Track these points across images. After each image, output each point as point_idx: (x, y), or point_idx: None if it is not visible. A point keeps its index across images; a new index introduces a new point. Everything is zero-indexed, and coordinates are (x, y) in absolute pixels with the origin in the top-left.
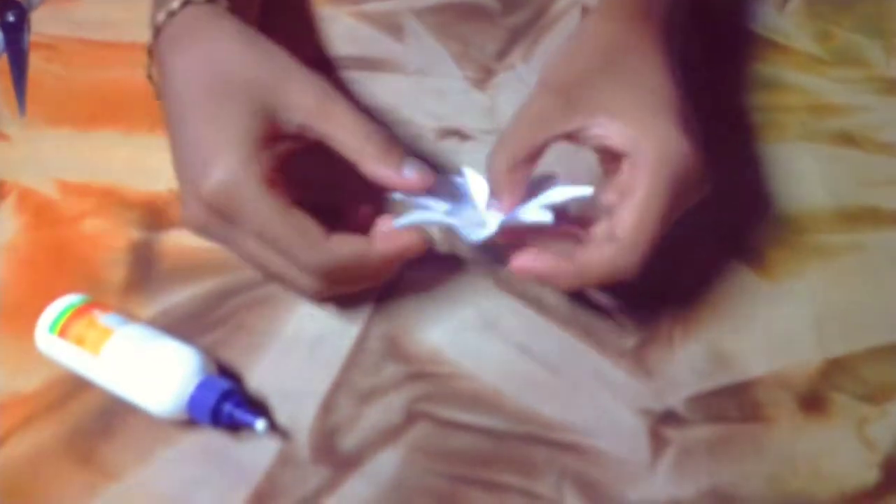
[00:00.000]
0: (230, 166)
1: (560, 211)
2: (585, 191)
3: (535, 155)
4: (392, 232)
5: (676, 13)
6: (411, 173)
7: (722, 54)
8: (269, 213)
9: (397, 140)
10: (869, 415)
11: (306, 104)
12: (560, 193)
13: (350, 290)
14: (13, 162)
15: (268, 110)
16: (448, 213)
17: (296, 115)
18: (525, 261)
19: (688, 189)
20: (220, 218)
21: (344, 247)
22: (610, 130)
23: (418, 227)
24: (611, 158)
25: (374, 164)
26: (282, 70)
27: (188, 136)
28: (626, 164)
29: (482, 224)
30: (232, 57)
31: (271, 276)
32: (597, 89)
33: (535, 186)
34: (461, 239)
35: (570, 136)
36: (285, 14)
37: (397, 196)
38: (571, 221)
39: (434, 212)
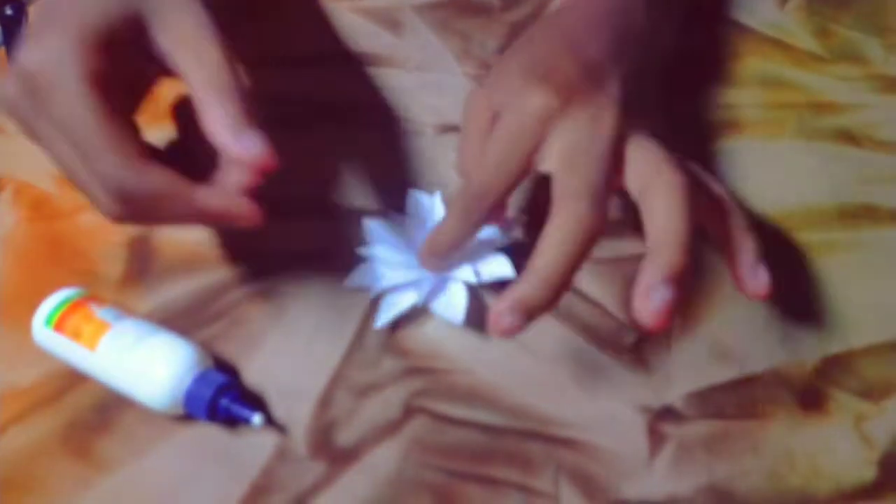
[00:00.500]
0: (55, 44)
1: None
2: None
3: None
4: (220, 191)
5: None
6: (251, 145)
7: (720, 53)
8: (78, 107)
9: (256, 109)
10: (867, 412)
11: (180, 29)
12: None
13: (154, 224)
14: (10, 155)
15: (136, 18)
16: (417, 290)
17: (165, 36)
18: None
19: (523, 130)
20: (29, 99)
21: (156, 178)
22: (489, 103)
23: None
24: None
25: (216, 120)
26: None
27: (35, 20)
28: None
29: (450, 302)
30: None
31: (75, 184)
32: (500, 73)
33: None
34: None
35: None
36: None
37: (364, 250)
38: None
39: (405, 296)
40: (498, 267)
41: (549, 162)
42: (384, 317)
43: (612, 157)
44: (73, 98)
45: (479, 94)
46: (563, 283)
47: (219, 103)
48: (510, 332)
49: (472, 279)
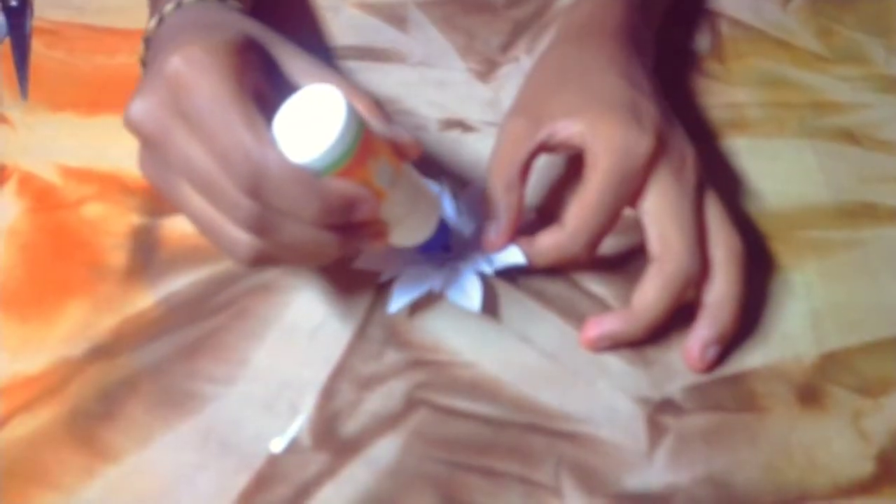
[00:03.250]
0: (193, 48)
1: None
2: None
3: (522, 173)
4: (353, 182)
5: (635, 22)
6: (402, 132)
7: (725, 50)
8: (226, 95)
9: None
10: (865, 408)
11: (303, 59)
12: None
13: (285, 242)
14: (15, 146)
15: (258, 43)
16: (431, 278)
17: (293, 64)
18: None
19: (633, 173)
20: (171, 101)
21: (288, 167)
22: (567, 131)
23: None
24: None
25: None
26: (277, 38)
27: (163, 45)
28: (585, 160)
29: (466, 292)
30: (228, 15)
31: (206, 227)
32: (554, 101)
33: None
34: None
35: (544, 147)
36: (281, 7)
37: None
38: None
39: (418, 283)
40: (510, 256)
41: (649, 206)
42: (397, 303)
43: (700, 204)
44: (219, 85)
45: (522, 113)
46: (656, 325)
47: (357, 102)
48: (595, 351)
49: (486, 269)
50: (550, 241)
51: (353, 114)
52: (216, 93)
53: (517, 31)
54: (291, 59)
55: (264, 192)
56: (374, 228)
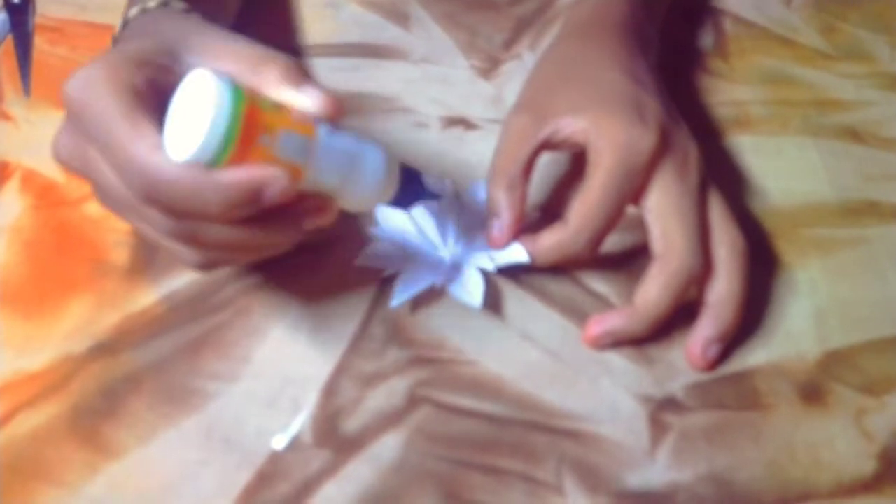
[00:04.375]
0: (89, 69)
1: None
2: (522, 258)
3: (525, 170)
4: (248, 166)
5: (639, 18)
6: (315, 93)
7: (728, 48)
8: (115, 111)
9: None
10: (868, 406)
11: (206, 40)
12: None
13: (212, 246)
14: (17, 143)
15: (168, 49)
16: (433, 274)
17: (194, 51)
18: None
19: (636, 170)
20: (74, 127)
21: (172, 170)
22: (571, 128)
23: (280, 166)
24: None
25: (273, 81)
26: (203, 27)
27: None
28: (588, 157)
29: (468, 288)
30: (171, 22)
31: (125, 217)
32: (558, 98)
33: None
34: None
35: (547, 145)
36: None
37: (375, 231)
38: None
39: (421, 278)
40: (513, 253)
41: (652, 204)
42: (400, 297)
43: (703, 201)
44: (110, 107)
45: (525, 110)
46: (659, 322)
47: (271, 68)
48: (597, 348)
49: (489, 265)
50: (553, 240)
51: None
52: (105, 110)
53: (520, 28)
54: (196, 47)
55: (163, 200)
56: (310, 204)
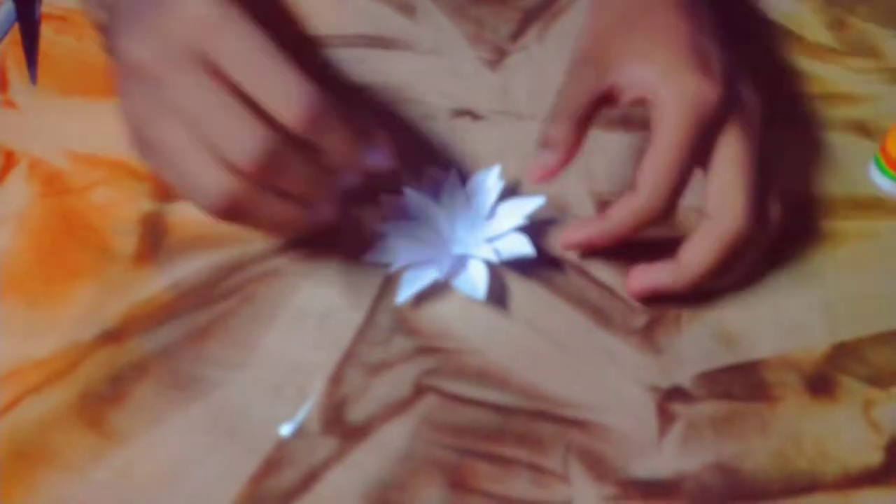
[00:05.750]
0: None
1: None
2: (537, 201)
3: (586, 116)
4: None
5: None
6: (379, 156)
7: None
8: (258, 38)
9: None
10: (875, 398)
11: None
12: (517, 208)
13: (287, 184)
14: (23, 131)
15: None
16: (438, 267)
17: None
18: (568, 234)
19: (706, 125)
20: (180, 48)
21: (341, 111)
22: (634, 80)
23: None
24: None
25: (337, 147)
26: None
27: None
28: (651, 112)
29: (472, 280)
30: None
31: (184, 147)
32: (616, 46)
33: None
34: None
35: (610, 97)
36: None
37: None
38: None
39: (425, 272)
40: (517, 245)
41: (715, 161)
42: (405, 292)
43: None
44: (252, 31)
45: (586, 59)
46: (704, 281)
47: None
48: (638, 301)
49: (493, 257)
50: (626, 209)
51: None
52: (255, 37)
53: (527, 20)
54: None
55: (323, 127)
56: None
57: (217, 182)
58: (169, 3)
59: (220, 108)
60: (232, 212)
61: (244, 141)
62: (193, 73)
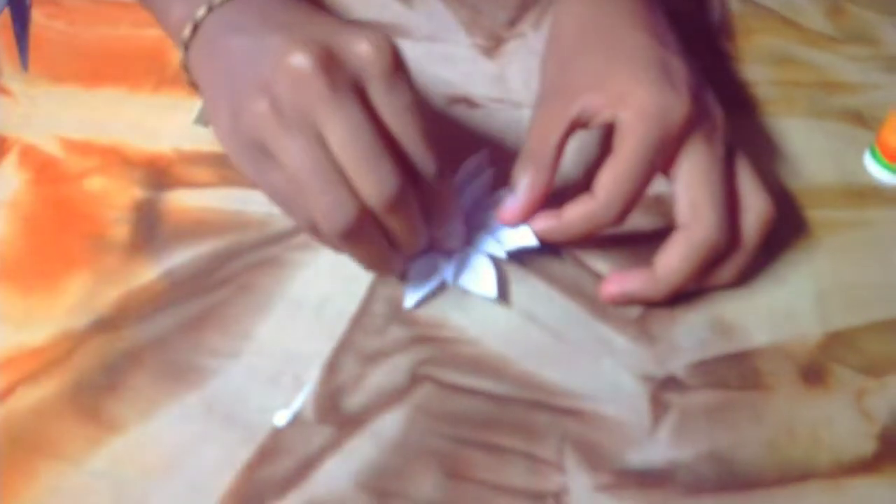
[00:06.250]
0: (313, 53)
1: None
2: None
3: (555, 155)
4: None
5: None
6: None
7: (733, 27)
8: (361, 114)
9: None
10: (868, 387)
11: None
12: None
13: (405, 216)
14: (15, 118)
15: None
16: (442, 267)
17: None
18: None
19: (669, 139)
20: (333, 76)
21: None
22: (596, 107)
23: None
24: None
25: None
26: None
27: (243, 46)
28: (615, 129)
29: (481, 278)
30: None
31: (313, 165)
32: (577, 73)
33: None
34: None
35: (577, 125)
36: None
37: None
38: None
39: (430, 274)
40: (521, 237)
41: (681, 173)
42: (412, 297)
43: (731, 169)
44: (355, 105)
45: (550, 92)
46: (677, 291)
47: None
48: (611, 304)
49: (499, 252)
50: (581, 212)
51: None
52: (355, 108)
53: (524, 7)
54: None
55: (396, 214)
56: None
57: (339, 204)
58: (270, 54)
59: (363, 139)
60: (351, 235)
61: (376, 172)
62: (344, 101)
